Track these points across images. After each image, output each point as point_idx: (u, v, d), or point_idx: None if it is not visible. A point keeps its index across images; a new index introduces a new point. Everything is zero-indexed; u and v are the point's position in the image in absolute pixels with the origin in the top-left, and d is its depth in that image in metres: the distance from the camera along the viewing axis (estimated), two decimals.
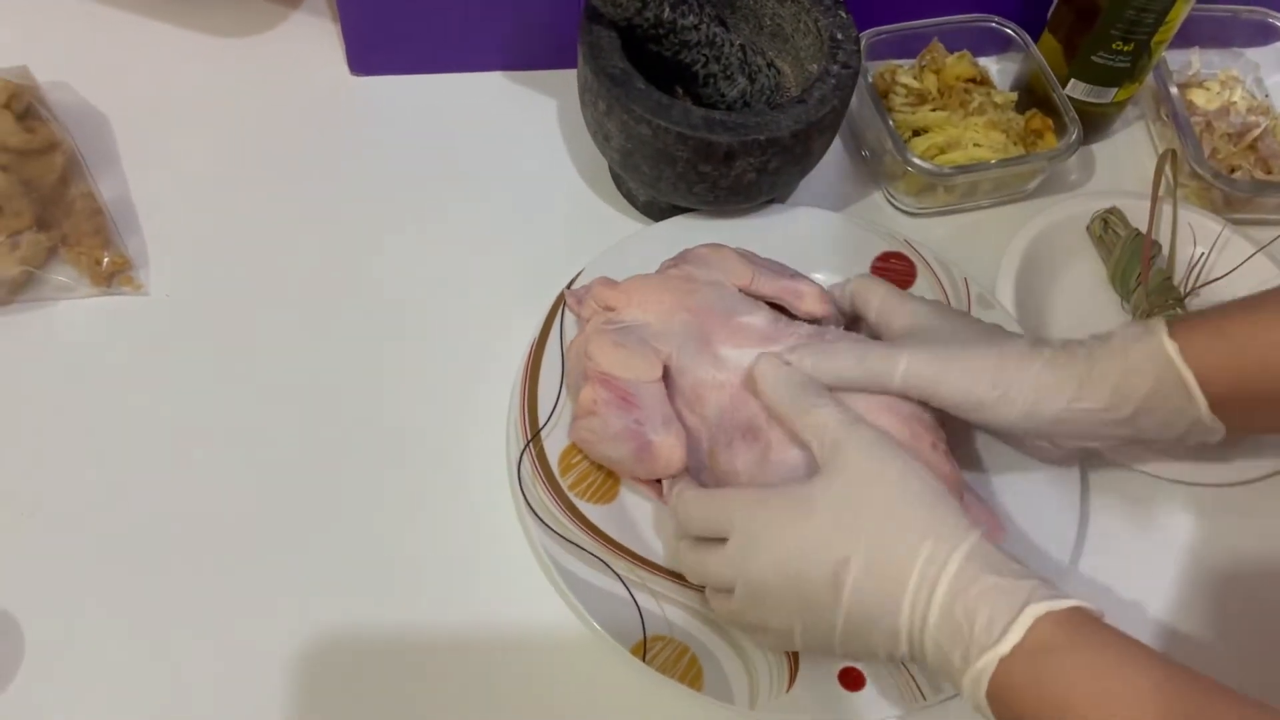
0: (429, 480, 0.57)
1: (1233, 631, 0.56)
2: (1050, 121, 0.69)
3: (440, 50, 0.72)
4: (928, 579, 0.43)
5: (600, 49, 0.59)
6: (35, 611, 0.51)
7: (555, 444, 0.56)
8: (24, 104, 0.63)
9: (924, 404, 0.52)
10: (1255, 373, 0.48)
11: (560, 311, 0.60)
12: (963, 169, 0.66)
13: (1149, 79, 0.72)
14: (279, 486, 0.56)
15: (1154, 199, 0.66)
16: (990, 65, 0.75)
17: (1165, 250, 0.66)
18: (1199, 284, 0.65)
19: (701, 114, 0.57)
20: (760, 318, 0.55)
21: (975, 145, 0.68)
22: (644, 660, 0.50)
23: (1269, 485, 0.60)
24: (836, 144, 0.71)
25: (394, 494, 0.56)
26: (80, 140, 0.65)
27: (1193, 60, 0.76)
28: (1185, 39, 0.73)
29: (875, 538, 0.44)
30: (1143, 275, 0.64)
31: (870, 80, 0.70)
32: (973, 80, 0.72)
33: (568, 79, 0.66)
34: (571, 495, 0.55)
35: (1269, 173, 0.71)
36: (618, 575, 0.52)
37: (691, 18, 0.59)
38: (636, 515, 0.56)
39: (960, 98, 0.71)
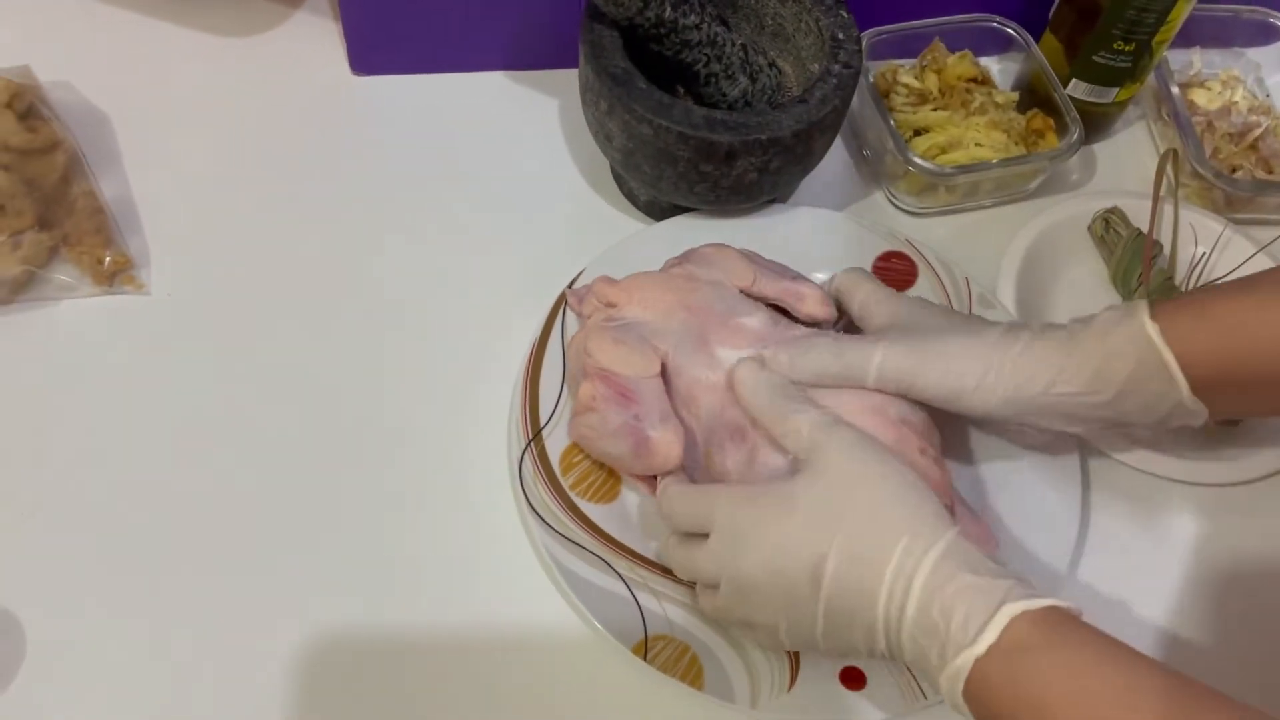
0: (430, 480, 0.57)
1: (1234, 632, 0.56)
2: (1051, 121, 0.69)
3: (441, 50, 0.72)
4: (903, 576, 0.43)
5: (602, 48, 0.59)
6: (37, 611, 0.51)
7: (556, 443, 0.56)
8: (26, 103, 0.63)
9: (916, 407, 0.52)
10: (1238, 355, 0.48)
11: (561, 311, 0.60)
12: (964, 169, 0.66)
13: (1150, 79, 0.72)
14: (280, 486, 0.56)
15: (1155, 199, 0.66)
16: (991, 65, 0.75)
17: (1167, 250, 0.66)
18: (1200, 284, 0.65)
19: (703, 113, 0.57)
20: (758, 319, 0.55)
21: (976, 145, 0.68)
22: (645, 660, 0.50)
23: (1270, 485, 0.60)
24: (838, 144, 0.71)
25: (395, 493, 0.56)
26: (82, 140, 0.65)
27: (1194, 60, 0.76)
28: (1186, 39, 0.73)
29: (852, 535, 0.44)
30: (1144, 275, 0.64)
31: (871, 80, 0.70)
32: (974, 80, 0.72)
33: (569, 79, 0.66)
34: (573, 495, 0.55)
35: (1270, 172, 0.71)
36: (619, 575, 0.52)
37: (693, 17, 0.59)
38: (638, 515, 0.56)
39: (961, 97, 0.71)
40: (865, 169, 0.72)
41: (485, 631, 0.53)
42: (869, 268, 0.64)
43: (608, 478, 0.56)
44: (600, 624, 0.51)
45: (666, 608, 0.52)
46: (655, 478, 0.54)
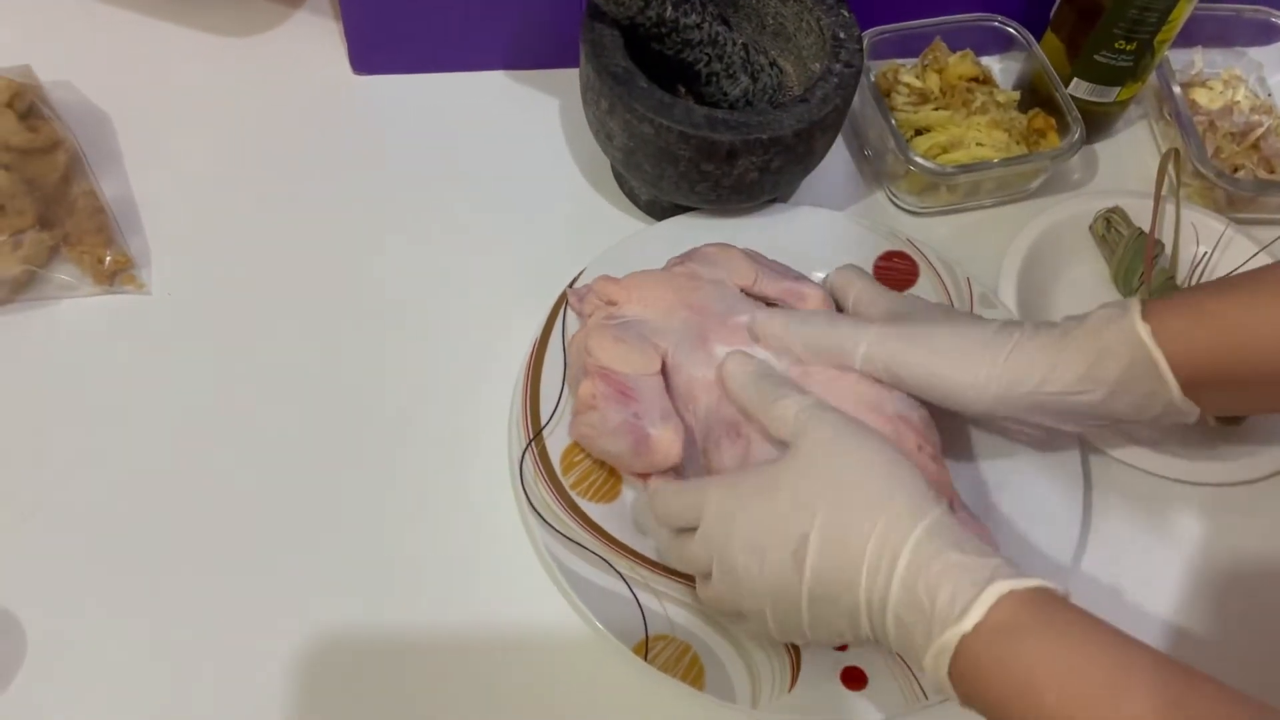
0: (430, 479, 0.57)
1: (1235, 631, 0.56)
2: (1053, 121, 0.69)
3: (442, 49, 0.72)
4: (887, 553, 0.42)
5: (603, 48, 0.59)
6: (37, 610, 0.51)
7: (557, 443, 0.56)
8: (26, 103, 0.63)
9: (915, 404, 0.52)
10: (1230, 353, 0.48)
11: (562, 311, 0.60)
12: (965, 168, 0.66)
13: (1152, 78, 0.72)
14: (280, 486, 0.56)
15: (1157, 198, 0.66)
16: (993, 64, 0.75)
17: (1168, 250, 0.66)
18: (1202, 283, 0.65)
19: (704, 113, 0.57)
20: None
21: (978, 144, 0.68)
22: (646, 659, 0.50)
23: (1272, 485, 0.60)
24: (839, 143, 0.71)
25: (395, 493, 0.56)
26: (82, 139, 0.65)
27: (1195, 59, 0.76)
28: (1188, 38, 0.73)
29: (833, 512, 0.44)
30: (1146, 275, 0.64)
31: (873, 79, 0.70)
32: (975, 79, 0.72)
33: (570, 78, 0.66)
34: (574, 494, 0.55)
35: (1272, 172, 0.70)
36: (620, 574, 0.52)
37: (694, 16, 0.59)
38: (638, 514, 0.55)
39: (963, 97, 0.70)
40: (866, 168, 0.72)
41: (485, 631, 0.53)
42: (870, 267, 0.64)
43: (609, 477, 0.56)
44: (601, 624, 0.51)
45: (667, 607, 0.52)
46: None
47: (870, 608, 0.43)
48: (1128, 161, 0.74)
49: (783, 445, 0.49)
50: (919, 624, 0.41)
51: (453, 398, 0.59)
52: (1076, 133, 0.67)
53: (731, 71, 0.62)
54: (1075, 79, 0.70)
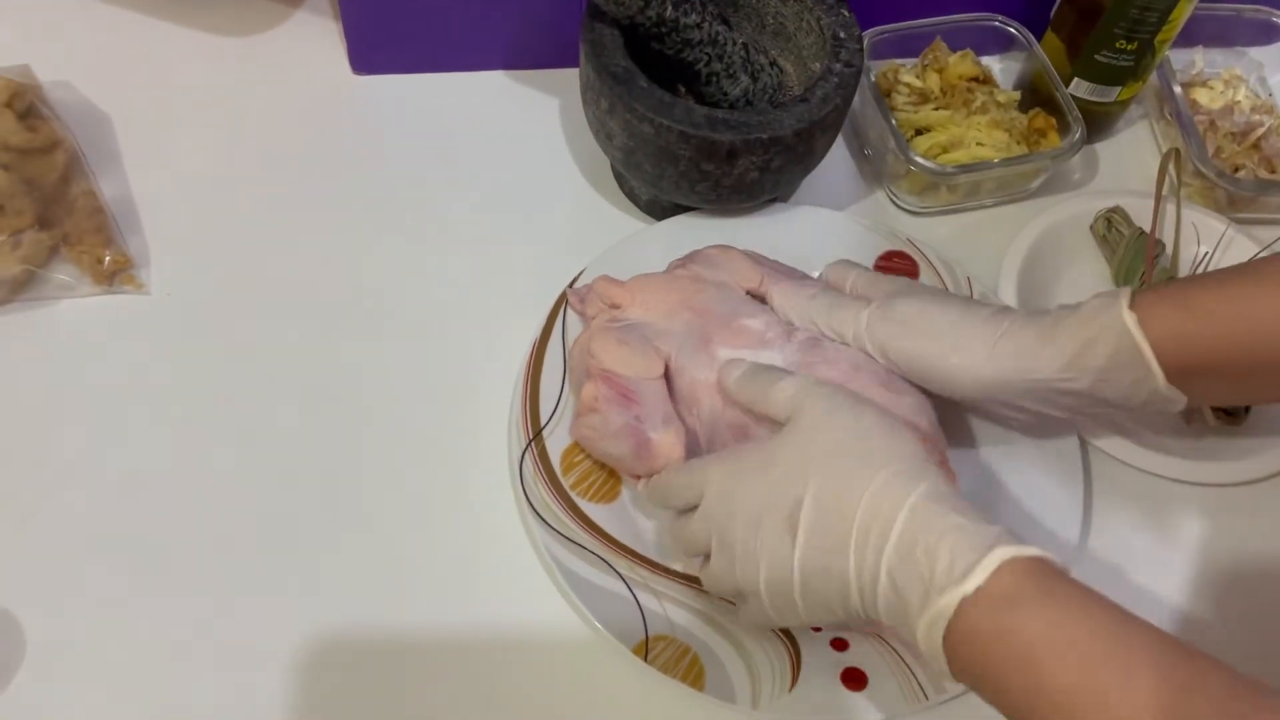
0: (430, 480, 0.57)
1: (1235, 632, 0.56)
2: (1053, 120, 0.69)
3: (442, 49, 0.72)
4: (880, 515, 0.42)
5: (602, 47, 0.58)
6: (36, 611, 0.51)
7: (557, 443, 0.56)
8: (26, 103, 0.63)
9: (923, 408, 0.52)
10: (1218, 342, 0.48)
11: (562, 311, 0.60)
12: (965, 168, 0.66)
13: (1152, 78, 0.72)
14: (279, 486, 0.56)
15: (1157, 198, 0.66)
16: (993, 64, 0.75)
17: (1169, 250, 0.66)
18: (1193, 275, 0.65)
19: (704, 112, 0.57)
20: (761, 320, 0.55)
21: (978, 144, 0.68)
22: (646, 660, 0.50)
23: (1272, 485, 0.60)
24: (839, 143, 0.71)
25: (395, 493, 0.56)
26: (82, 139, 0.65)
27: (1196, 59, 0.76)
28: (1189, 38, 0.73)
29: (825, 478, 0.44)
30: (1146, 274, 0.64)
31: (873, 79, 0.70)
32: (975, 79, 0.72)
33: (570, 78, 0.66)
34: (573, 495, 0.54)
35: (1273, 172, 0.70)
36: (619, 575, 0.52)
37: (694, 16, 0.58)
38: (638, 515, 0.55)
39: (963, 97, 0.70)
40: (867, 168, 0.72)
41: (485, 631, 0.53)
42: (870, 267, 0.64)
43: (608, 478, 0.56)
44: (601, 624, 0.50)
45: (667, 608, 0.52)
46: None
47: (861, 573, 0.42)
48: (1128, 161, 0.74)
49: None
50: (915, 588, 0.40)
51: (452, 398, 0.59)
52: (1077, 132, 0.67)
53: (731, 71, 0.62)
54: (1076, 79, 0.70)
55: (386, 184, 0.67)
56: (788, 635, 0.52)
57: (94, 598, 0.52)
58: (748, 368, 0.52)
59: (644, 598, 0.52)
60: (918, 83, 0.71)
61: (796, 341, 0.54)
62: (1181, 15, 0.65)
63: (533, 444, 0.55)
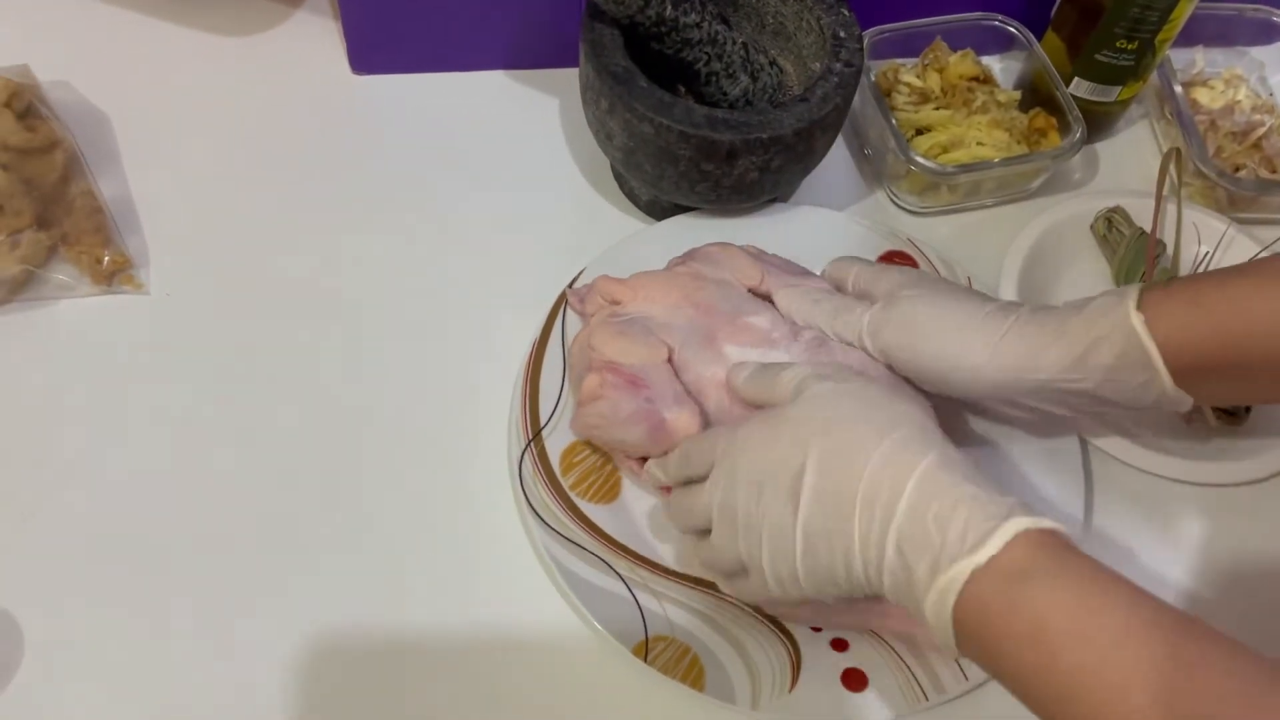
0: (430, 480, 0.57)
1: (1236, 632, 0.55)
2: (1054, 120, 0.69)
3: (442, 49, 0.71)
4: (887, 483, 0.41)
5: (602, 47, 0.58)
6: (35, 611, 0.51)
7: (556, 444, 0.56)
8: (25, 103, 0.63)
9: (929, 408, 0.52)
10: (1226, 341, 0.47)
11: (562, 311, 0.60)
12: (966, 168, 0.66)
13: (1153, 77, 0.72)
14: (279, 486, 0.56)
15: (1158, 198, 0.66)
16: (993, 64, 0.75)
17: (1170, 249, 0.66)
18: (1200, 273, 0.65)
19: (704, 112, 0.57)
20: (765, 318, 0.55)
21: (978, 144, 0.68)
22: (645, 660, 0.50)
23: (1273, 485, 0.60)
24: (839, 143, 0.71)
25: (394, 493, 0.56)
26: (81, 139, 0.65)
27: (1197, 59, 0.76)
28: (1189, 37, 0.73)
29: (830, 444, 0.43)
30: (1147, 274, 0.64)
31: (873, 79, 0.70)
32: (976, 79, 0.72)
33: (570, 77, 0.66)
34: (573, 495, 0.54)
35: (1273, 172, 0.70)
36: (619, 575, 0.52)
37: (694, 15, 0.58)
38: (638, 515, 0.55)
39: (963, 96, 0.70)
40: (867, 168, 0.72)
41: (485, 631, 0.53)
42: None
43: (608, 478, 0.56)
44: (600, 624, 0.50)
45: (667, 608, 0.52)
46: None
47: (868, 540, 0.41)
48: (1129, 161, 0.74)
49: None
50: (924, 556, 0.39)
51: (452, 398, 0.59)
52: (1077, 132, 0.67)
53: (731, 71, 0.62)
54: (1076, 78, 0.70)
55: (386, 184, 0.67)
56: (788, 635, 0.52)
57: (94, 598, 0.52)
58: (755, 367, 0.52)
59: (644, 598, 0.52)
60: (918, 82, 0.71)
61: (803, 341, 0.54)
62: (1182, 15, 0.65)
63: (532, 444, 0.55)
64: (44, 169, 0.61)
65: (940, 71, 0.72)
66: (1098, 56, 0.68)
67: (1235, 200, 0.70)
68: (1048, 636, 0.37)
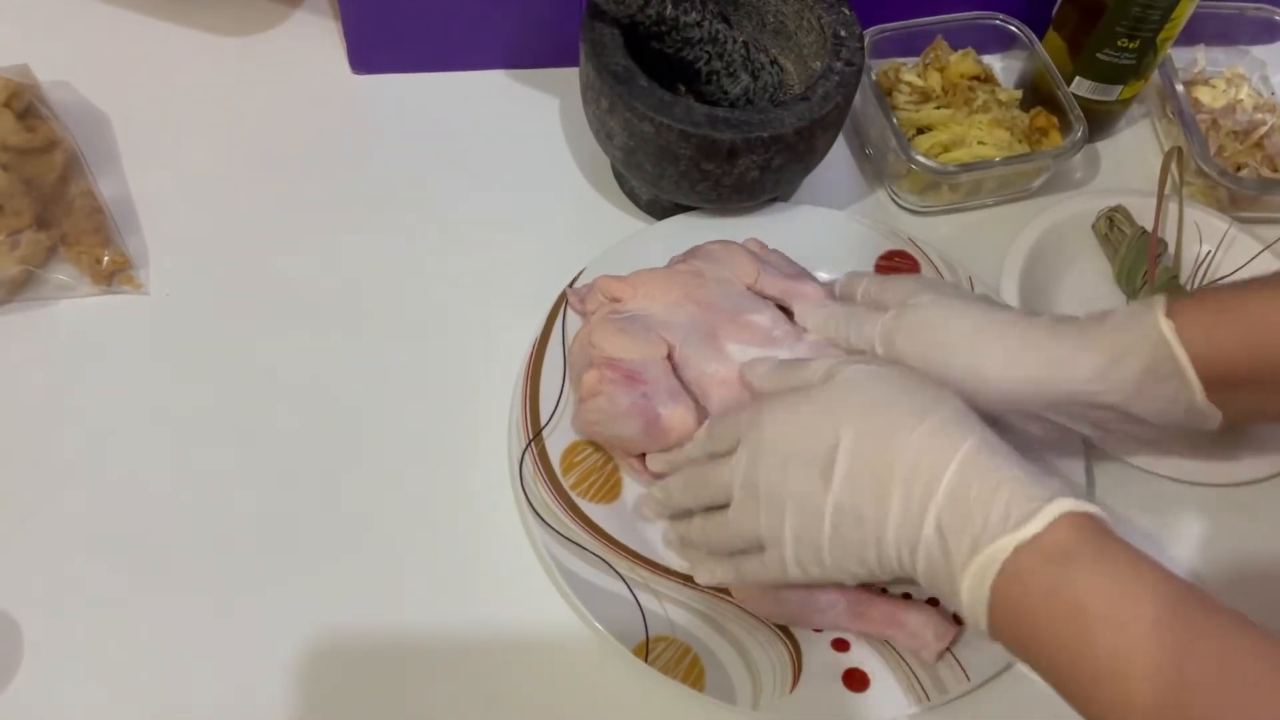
0: (430, 480, 0.57)
1: None
2: (1055, 119, 0.69)
3: (441, 48, 0.71)
4: (926, 463, 0.41)
5: (603, 46, 0.58)
6: (35, 612, 0.51)
7: (557, 443, 0.56)
8: (24, 103, 0.63)
9: None
10: (1259, 352, 0.46)
11: (562, 311, 0.60)
12: (967, 167, 0.66)
13: (1154, 76, 0.72)
14: (279, 486, 0.56)
15: (1160, 197, 0.66)
16: (994, 63, 0.74)
17: (1171, 248, 0.66)
18: (1205, 282, 0.65)
19: (704, 111, 0.56)
20: (767, 316, 0.55)
21: (979, 143, 0.68)
22: (646, 661, 0.50)
23: (1273, 485, 0.60)
24: (840, 142, 0.71)
25: (395, 494, 0.56)
26: (81, 139, 0.65)
27: (1198, 58, 0.76)
28: (1191, 36, 0.73)
29: (867, 423, 0.43)
30: (1149, 273, 0.64)
31: (874, 78, 0.70)
32: (977, 78, 0.72)
33: (570, 77, 0.66)
34: (573, 495, 0.54)
35: (1275, 170, 0.70)
36: (620, 575, 0.52)
37: (694, 15, 0.58)
38: (638, 516, 0.55)
39: (964, 95, 0.70)
40: (867, 167, 0.72)
41: (485, 631, 0.52)
42: (871, 267, 0.64)
43: (609, 478, 0.56)
44: (601, 625, 0.50)
45: (668, 608, 0.52)
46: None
47: (905, 519, 0.41)
48: (1130, 160, 0.74)
49: None
50: (964, 536, 0.39)
51: (452, 398, 0.59)
52: (1079, 131, 0.67)
53: (732, 70, 0.62)
54: (1077, 77, 0.70)
55: (386, 184, 0.67)
56: (789, 636, 0.52)
57: (94, 598, 0.52)
58: (776, 362, 0.51)
59: (644, 598, 0.52)
60: (919, 81, 0.71)
61: (807, 342, 0.54)
62: (1184, 13, 0.65)
63: (532, 444, 0.55)
64: (44, 169, 0.61)
65: (941, 70, 0.72)
66: (1099, 55, 0.68)
67: (1237, 199, 0.70)
68: (1085, 620, 0.37)
